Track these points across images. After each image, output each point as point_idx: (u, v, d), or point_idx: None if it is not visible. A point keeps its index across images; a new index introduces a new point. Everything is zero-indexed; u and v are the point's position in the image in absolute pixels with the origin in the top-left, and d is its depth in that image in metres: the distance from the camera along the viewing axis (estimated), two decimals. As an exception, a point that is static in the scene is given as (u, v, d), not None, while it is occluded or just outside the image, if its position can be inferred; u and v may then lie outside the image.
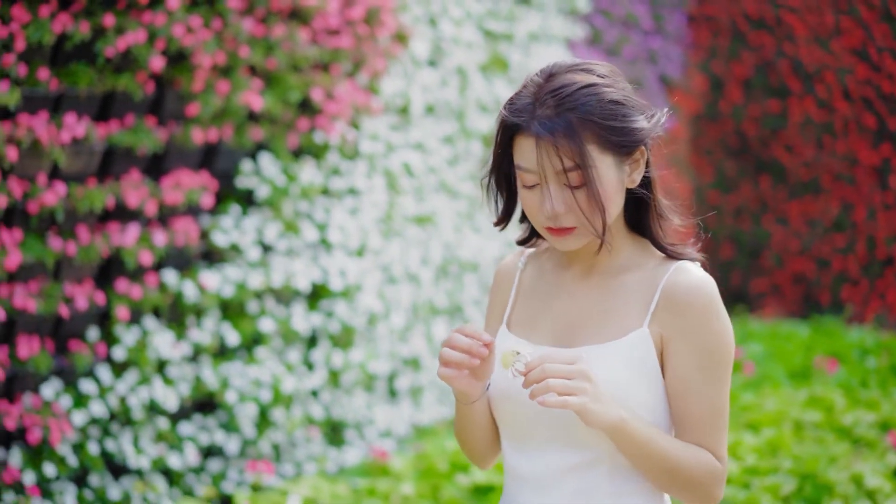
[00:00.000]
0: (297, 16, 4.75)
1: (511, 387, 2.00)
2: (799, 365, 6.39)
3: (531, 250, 2.17)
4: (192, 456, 4.50)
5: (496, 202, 2.07)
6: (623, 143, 1.95)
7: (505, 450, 2.09)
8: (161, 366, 4.50)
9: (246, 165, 4.77)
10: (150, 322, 4.45)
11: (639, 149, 1.98)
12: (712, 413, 1.97)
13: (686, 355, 1.96)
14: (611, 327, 2.00)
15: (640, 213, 2.06)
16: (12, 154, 3.88)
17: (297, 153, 5.02)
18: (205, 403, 4.70)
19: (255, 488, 4.52)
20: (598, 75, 1.98)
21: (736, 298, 8.94)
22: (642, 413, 1.96)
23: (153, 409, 4.46)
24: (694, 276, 1.98)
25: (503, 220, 2.09)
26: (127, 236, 4.31)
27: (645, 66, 8.29)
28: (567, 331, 2.03)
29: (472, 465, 4.18)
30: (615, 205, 1.98)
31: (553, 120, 1.93)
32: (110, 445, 4.33)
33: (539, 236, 2.13)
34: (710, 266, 8.16)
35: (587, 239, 1.99)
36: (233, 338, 4.64)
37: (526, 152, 1.94)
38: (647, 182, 2.03)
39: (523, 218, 2.11)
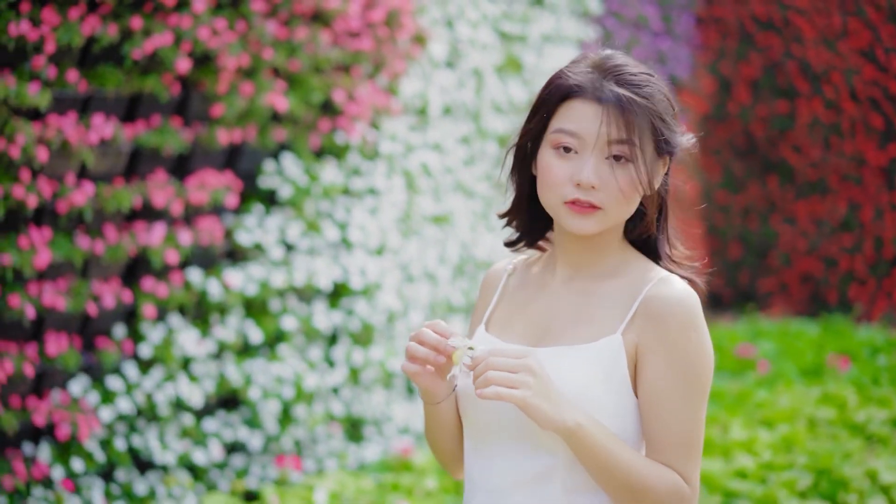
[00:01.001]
0: (320, 18, 4.82)
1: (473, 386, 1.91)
2: (811, 363, 6.47)
3: (522, 258, 2.12)
4: (216, 451, 4.57)
5: (516, 179, 2.01)
6: (665, 140, 1.94)
7: (465, 451, 2.03)
8: (186, 363, 4.57)
9: (269, 166, 4.84)
10: (175, 320, 4.52)
11: (664, 157, 1.97)
12: (684, 433, 1.88)
13: (660, 368, 1.88)
14: (583, 331, 1.94)
15: (640, 225, 2.02)
16: (42, 154, 3.95)
17: (319, 153, 5.09)
18: (228, 400, 4.77)
19: (279, 484, 4.59)
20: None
21: (744, 297, 9.01)
22: (608, 423, 1.89)
23: (178, 405, 4.53)
24: (676, 288, 1.92)
25: (513, 211, 2.04)
26: (153, 235, 4.37)
27: (654, 67, 8.36)
28: (540, 332, 1.98)
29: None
30: (639, 198, 1.94)
31: (621, 88, 1.91)
32: (136, 441, 4.40)
33: (528, 241, 2.08)
34: (719, 266, 8.24)
35: (606, 225, 1.93)
36: (256, 335, 4.71)
37: (577, 115, 1.91)
38: (660, 197, 2.01)
39: (509, 220, 2.06)
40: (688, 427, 1.88)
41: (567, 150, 1.92)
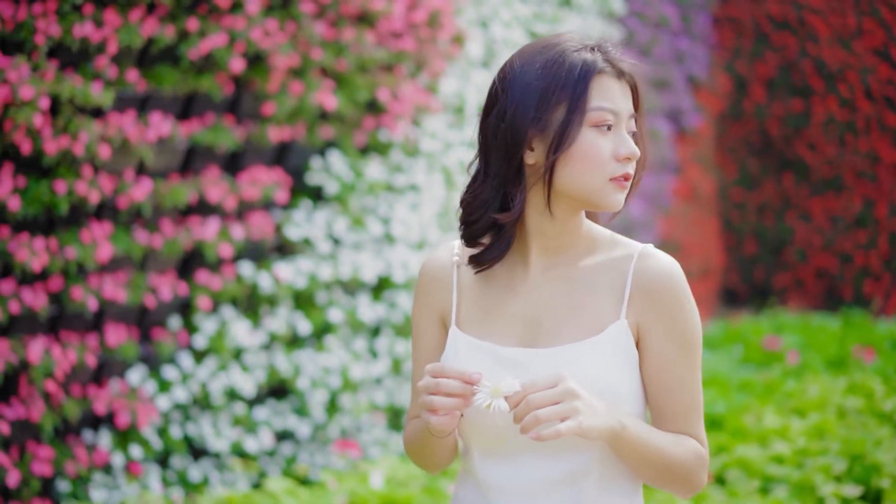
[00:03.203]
0: (365, 19, 4.96)
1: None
2: (835, 355, 6.64)
3: (458, 249, 2.03)
4: (266, 439, 4.71)
5: (547, 176, 1.90)
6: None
7: (472, 458, 1.96)
8: (238, 353, 4.71)
9: (316, 162, 4.99)
10: (228, 312, 4.66)
11: None
12: (692, 398, 1.91)
13: (666, 343, 1.90)
14: (585, 322, 1.91)
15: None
16: (104, 152, 4.09)
17: (364, 151, 5.23)
18: (278, 389, 4.91)
19: (326, 470, 4.72)
20: None
21: (759, 293, 9.15)
22: (627, 406, 1.89)
23: (231, 394, 4.67)
24: (663, 261, 1.91)
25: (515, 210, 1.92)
26: (207, 230, 4.51)
27: (673, 66, 8.51)
28: (534, 329, 1.93)
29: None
30: None
31: (626, 64, 1.93)
32: (191, 429, 4.54)
33: (502, 253, 1.95)
34: (735, 262, 8.39)
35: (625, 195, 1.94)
36: (304, 327, 4.85)
37: (608, 92, 1.90)
38: None
39: (468, 221, 1.94)
40: (694, 392, 1.92)
41: (607, 127, 1.89)
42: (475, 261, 1.95)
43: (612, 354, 1.89)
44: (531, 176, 1.92)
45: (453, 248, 2.02)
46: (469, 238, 1.95)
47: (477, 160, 1.96)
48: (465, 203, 1.95)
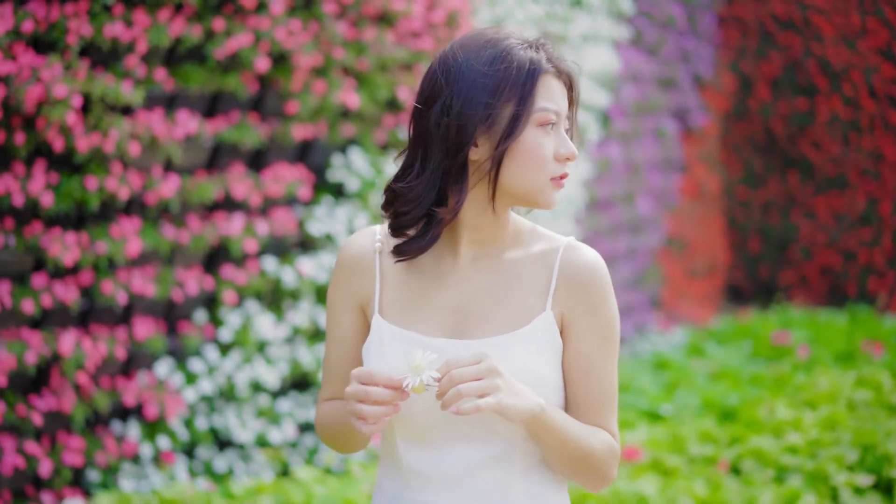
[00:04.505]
0: (385, 19, 5.06)
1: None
2: (843, 349, 6.75)
3: (380, 235, 2.01)
4: (290, 430, 4.80)
5: (495, 171, 1.89)
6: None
7: (399, 449, 1.94)
8: (262, 346, 4.80)
9: (337, 160, 5.08)
10: (252, 305, 4.76)
11: None
12: (609, 391, 1.93)
13: (589, 334, 1.92)
14: (513, 314, 1.93)
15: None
16: (134, 149, 4.18)
17: (384, 148, 5.32)
18: (301, 382, 5.01)
19: (352, 461, 4.82)
20: None
21: (764, 290, 9.24)
22: (553, 396, 1.91)
23: (256, 387, 4.76)
24: (587, 254, 1.94)
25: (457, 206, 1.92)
26: (232, 225, 4.61)
27: (679, 66, 8.60)
28: (462, 320, 1.94)
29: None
30: None
31: (566, 62, 1.95)
32: (217, 420, 4.64)
33: (428, 244, 1.93)
34: (740, 260, 8.47)
35: None
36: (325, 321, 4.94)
37: (551, 92, 1.91)
38: None
39: (400, 213, 1.92)
40: (611, 385, 1.94)
41: (550, 126, 1.91)
42: (398, 251, 1.93)
43: (538, 346, 1.90)
44: (474, 172, 1.90)
45: (375, 234, 2.00)
46: (397, 228, 1.94)
47: (407, 151, 1.94)
48: (397, 194, 1.92)
